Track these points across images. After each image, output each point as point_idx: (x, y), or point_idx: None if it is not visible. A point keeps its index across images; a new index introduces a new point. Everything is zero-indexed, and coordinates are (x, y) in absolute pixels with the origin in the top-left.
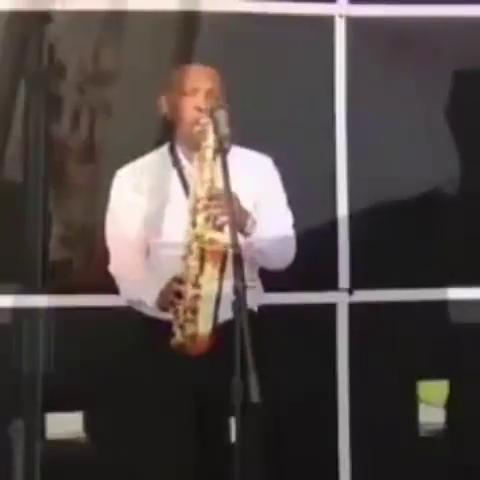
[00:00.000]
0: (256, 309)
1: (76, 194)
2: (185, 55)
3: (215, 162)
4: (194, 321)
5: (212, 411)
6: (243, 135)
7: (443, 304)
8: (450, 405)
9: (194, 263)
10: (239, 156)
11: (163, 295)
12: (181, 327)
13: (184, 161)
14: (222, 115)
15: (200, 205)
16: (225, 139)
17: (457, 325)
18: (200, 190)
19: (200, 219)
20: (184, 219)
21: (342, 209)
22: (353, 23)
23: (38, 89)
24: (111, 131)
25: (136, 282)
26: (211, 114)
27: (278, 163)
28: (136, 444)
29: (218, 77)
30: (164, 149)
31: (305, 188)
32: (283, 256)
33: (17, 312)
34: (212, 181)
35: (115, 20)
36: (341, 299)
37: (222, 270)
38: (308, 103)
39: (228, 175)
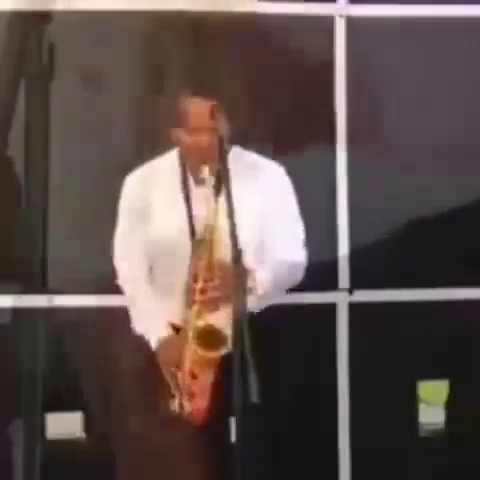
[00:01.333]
0: (256, 309)
1: (78, 194)
2: (186, 55)
3: (214, 242)
4: (191, 402)
5: (212, 411)
6: (242, 135)
7: (443, 304)
8: (450, 405)
9: (190, 352)
10: (249, 164)
11: (162, 366)
12: (179, 405)
13: (191, 183)
14: (221, 117)
15: (198, 286)
16: (225, 139)
17: (457, 325)
18: (198, 268)
19: (197, 298)
20: (185, 237)
21: (342, 209)
22: (353, 23)
23: (38, 89)
24: (114, 133)
25: (140, 315)
26: (211, 116)
27: (278, 163)
28: (136, 444)
29: (219, 109)
30: (173, 159)
31: (305, 188)
32: (292, 281)
33: (17, 312)
34: (210, 258)
35: (117, 20)
36: (341, 299)
37: (217, 366)
38: (308, 103)
39: (228, 176)
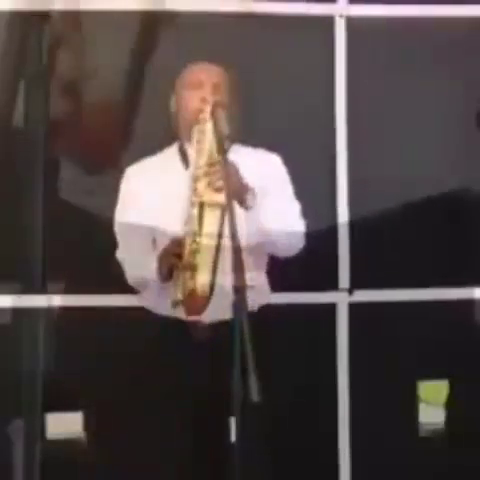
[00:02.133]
0: (256, 309)
1: (77, 193)
2: (186, 55)
3: (213, 134)
4: (192, 277)
5: (212, 411)
6: (243, 135)
7: (443, 304)
8: (450, 405)
9: (193, 222)
10: (247, 155)
11: (162, 259)
12: (182, 285)
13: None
14: (221, 115)
15: (200, 172)
16: (225, 139)
17: (457, 325)
18: (200, 160)
19: (200, 185)
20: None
21: (342, 209)
22: (353, 23)
23: (38, 89)
24: (120, 130)
25: (140, 261)
26: (212, 113)
27: None
28: (136, 444)
29: (225, 75)
30: (173, 148)
31: (305, 188)
32: (292, 240)
33: (17, 312)
34: (211, 151)
35: (119, 19)
36: (341, 299)
37: (221, 225)
38: (308, 103)
39: (228, 175)
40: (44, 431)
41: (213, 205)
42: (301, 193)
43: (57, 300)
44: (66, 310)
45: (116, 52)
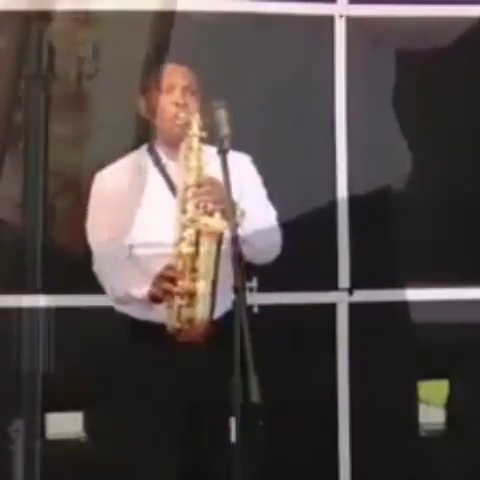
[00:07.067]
0: (256, 309)
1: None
2: (182, 55)
3: (201, 150)
4: (191, 305)
5: (212, 411)
6: (243, 135)
7: (443, 304)
8: (450, 405)
9: (189, 248)
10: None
11: (156, 284)
12: (177, 312)
13: (165, 159)
14: (222, 115)
15: (189, 193)
16: (225, 139)
17: (457, 325)
18: (188, 178)
19: (190, 206)
20: (170, 217)
21: (342, 209)
22: (353, 23)
23: (38, 89)
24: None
25: (122, 276)
26: (211, 114)
27: (278, 163)
28: (136, 444)
29: (193, 75)
30: (143, 150)
31: (305, 188)
32: (270, 247)
33: (17, 312)
34: (200, 168)
35: (117, 20)
36: (341, 299)
37: (218, 250)
38: (308, 103)
39: (228, 175)
40: (44, 431)
41: (210, 234)
42: (301, 194)
43: (57, 300)
44: (66, 310)
45: (116, 52)
